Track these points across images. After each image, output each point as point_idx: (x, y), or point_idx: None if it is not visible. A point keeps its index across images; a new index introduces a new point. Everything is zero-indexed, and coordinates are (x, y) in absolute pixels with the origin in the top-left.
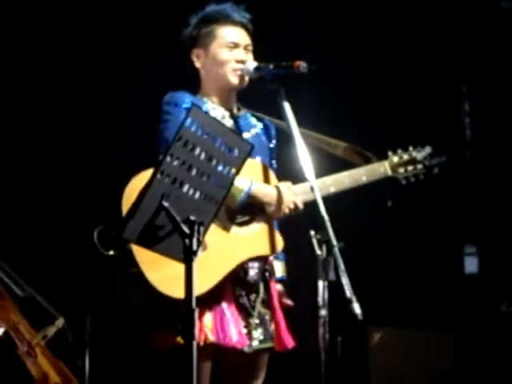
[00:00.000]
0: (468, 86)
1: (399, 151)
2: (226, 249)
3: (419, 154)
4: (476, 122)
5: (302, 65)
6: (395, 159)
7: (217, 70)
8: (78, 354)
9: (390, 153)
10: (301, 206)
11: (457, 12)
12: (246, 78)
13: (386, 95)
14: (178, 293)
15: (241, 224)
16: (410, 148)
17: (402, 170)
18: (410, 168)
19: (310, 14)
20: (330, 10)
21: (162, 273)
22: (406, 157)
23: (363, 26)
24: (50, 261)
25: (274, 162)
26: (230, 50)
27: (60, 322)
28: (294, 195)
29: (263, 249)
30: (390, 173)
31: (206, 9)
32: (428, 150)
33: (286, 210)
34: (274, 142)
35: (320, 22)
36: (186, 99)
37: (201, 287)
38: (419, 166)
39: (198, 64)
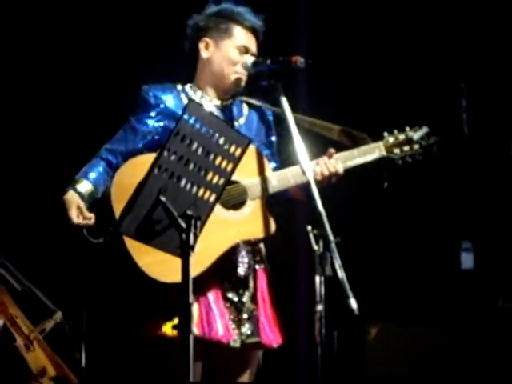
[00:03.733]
0: (466, 83)
1: (395, 132)
2: (216, 233)
3: (416, 134)
4: (473, 117)
5: (299, 60)
6: (390, 140)
7: (221, 67)
8: (75, 347)
9: (385, 133)
10: None
11: (453, 8)
12: (243, 83)
13: (383, 91)
14: (169, 277)
15: (232, 208)
16: (407, 128)
17: (397, 150)
18: (405, 148)
19: (308, 6)
20: (328, 4)
21: (152, 257)
22: (401, 137)
23: (362, 20)
24: (47, 255)
25: (264, 149)
26: (240, 53)
27: (58, 315)
28: None
29: (254, 232)
30: (384, 153)
31: (224, 4)
32: (425, 129)
33: None
34: (267, 128)
35: (318, 16)
36: (158, 93)
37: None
38: (416, 147)
39: (203, 53)
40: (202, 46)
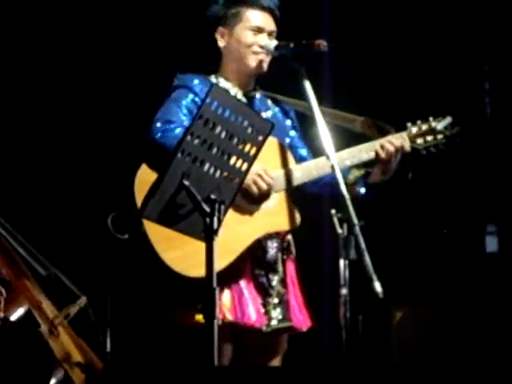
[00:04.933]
0: (490, 66)
1: (418, 122)
2: (242, 226)
3: (439, 124)
4: (496, 100)
5: (322, 43)
6: (414, 130)
7: (238, 52)
8: (100, 332)
9: (408, 124)
10: (267, 178)
11: None
12: (265, 65)
13: (406, 75)
14: (194, 271)
15: (257, 200)
16: (430, 118)
17: (421, 140)
18: (429, 138)
19: None
20: None
21: (177, 252)
22: (425, 127)
23: (384, 5)
24: (72, 240)
25: (292, 143)
26: (255, 34)
27: (82, 300)
28: (256, 167)
29: (280, 224)
30: (409, 145)
31: None
32: (448, 119)
33: (250, 183)
34: (291, 123)
35: (342, 2)
36: (194, 81)
37: (218, 264)
38: (439, 137)
39: (221, 43)
40: (218, 36)
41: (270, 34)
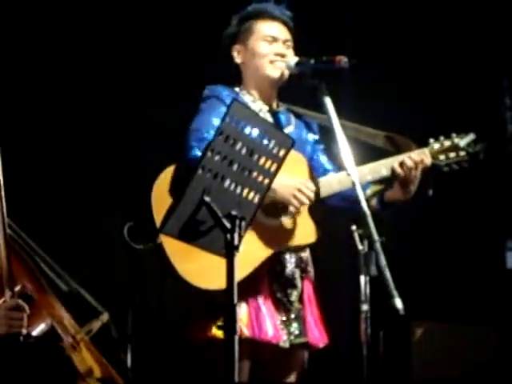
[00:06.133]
0: (510, 80)
1: (441, 138)
2: (260, 239)
3: (462, 141)
4: None
5: (342, 59)
6: (436, 146)
7: (255, 64)
8: (122, 348)
9: (431, 140)
10: (306, 191)
11: (495, 4)
12: (286, 73)
13: (426, 89)
14: (209, 284)
15: (276, 213)
16: (453, 135)
17: (443, 157)
18: (452, 155)
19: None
20: (372, 6)
21: (193, 264)
22: (447, 143)
23: (405, 18)
24: (93, 256)
25: (316, 156)
26: (269, 44)
27: (105, 316)
28: (295, 181)
29: (298, 238)
30: (430, 160)
31: (248, 7)
32: (472, 136)
33: (290, 198)
34: (315, 136)
35: (362, 14)
36: (224, 92)
37: None
38: (462, 153)
39: (238, 60)
40: (234, 53)
41: (284, 42)
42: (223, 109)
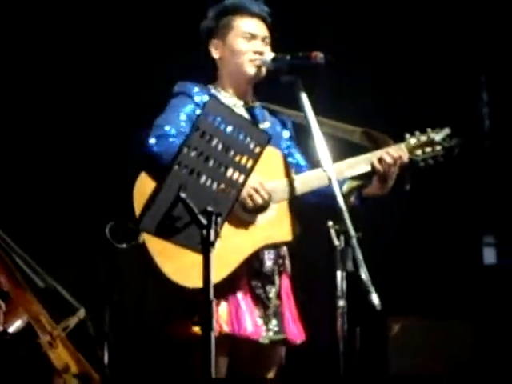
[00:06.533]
0: (487, 76)
1: (417, 133)
2: (240, 237)
3: (438, 136)
4: (494, 111)
5: (318, 55)
6: (412, 141)
7: (234, 61)
8: (98, 344)
9: (407, 135)
10: (262, 192)
11: (474, 1)
12: (263, 70)
13: (403, 85)
14: (192, 282)
15: (255, 212)
16: (429, 129)
17: (419, 152)
18: (428, 150)
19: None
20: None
21: (176, 263)
22: (423, 138)
23: (382, 13)
24: (70, 252)
25: (291, 153)
26: (248, 41)
27: (81, 313)
28: (254, 181)
29: (279, 235)
30: (407, 156)
31: (225, 1)
32: (446, 130)
33: (245, 197)
34: (289, 134)
35: (339, 12)
36: (193, 89)
37: (216, 276)
38: (438, 148)
39: (215, 55)
40: (212, 48)
41: (263, 39)
42: (190, 105)
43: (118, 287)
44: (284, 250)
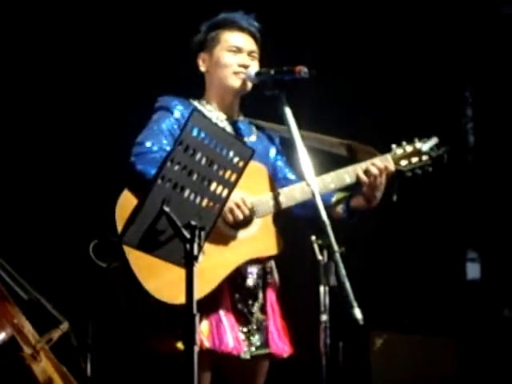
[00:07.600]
0: (471, 91)
1: (403, 143)
2: (224, 252)
3: (425, 145)
4: (479, 126)
5: (303, 70)
6: (399, 152)
7: (219, 73)
8: (81, 357)
9: (393, 146)
10: (244, 207)
11: (459, 17)
12: (249, 84)
13: (388, 100)
14: (176, 299)
15: (238, 226)
16: (415, 139)
17: (405, 162)
18: (414, 160)
19: (313, 15)
20: (333, 12)
21: (159, 280)
22: (409, 149)
23: (366, 29)
24: (53, 264)
25: (278, 167)
26: (234, 54)
27: (65, 325)
28: (236, 196)
29: (263, 250)
30: (393, 166)
31: (218, 16)
32: (434, 140)
33: (226, 212)
34: (276, 149)
35: (323, 26)
36: (173, 102)
37: (200, 292)
38: (424, 158)
39: (202, 68)
40: (199, 61)
41: (249, 54)
42: (170, 119)
43: (101, 300)
44: (270, 263)
